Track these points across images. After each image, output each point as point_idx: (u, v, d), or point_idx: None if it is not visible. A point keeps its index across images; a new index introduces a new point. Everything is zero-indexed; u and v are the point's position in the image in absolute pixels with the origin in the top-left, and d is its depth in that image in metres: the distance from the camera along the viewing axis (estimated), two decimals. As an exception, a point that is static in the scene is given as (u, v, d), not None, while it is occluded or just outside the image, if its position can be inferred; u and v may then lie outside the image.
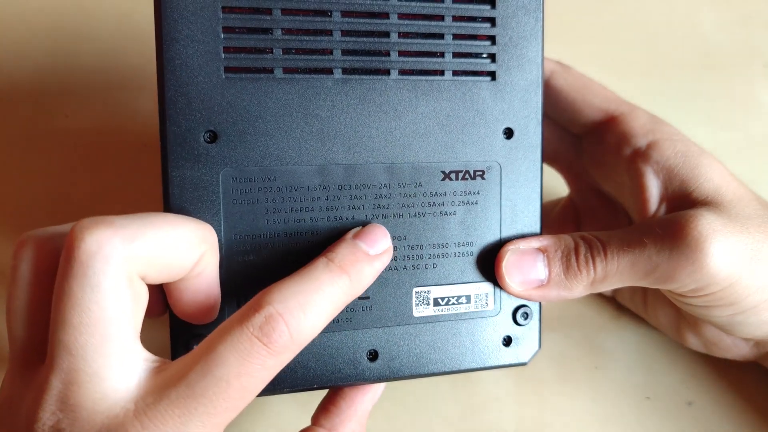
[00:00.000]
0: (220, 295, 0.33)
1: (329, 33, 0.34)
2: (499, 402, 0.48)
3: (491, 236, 0.37)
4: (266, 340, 0.28)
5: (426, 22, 0.35)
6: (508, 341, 0.37)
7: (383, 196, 0.35)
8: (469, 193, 0.36)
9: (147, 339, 0.30)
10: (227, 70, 0.33)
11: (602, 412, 0.48)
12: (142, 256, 0.29)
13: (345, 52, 0.34)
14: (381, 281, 0.35)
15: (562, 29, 0.49)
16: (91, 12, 0.51)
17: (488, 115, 0.36)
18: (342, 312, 0.35)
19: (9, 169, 0.48)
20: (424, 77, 0.35)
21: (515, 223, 0.37)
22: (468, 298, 0.37)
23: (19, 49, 0.49)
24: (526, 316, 0.37)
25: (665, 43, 0.58)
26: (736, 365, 0.48)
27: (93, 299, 0.27)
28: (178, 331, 0.33)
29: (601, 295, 0.52)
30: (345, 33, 0.34)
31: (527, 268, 0.37)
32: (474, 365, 0.37)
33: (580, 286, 0.37)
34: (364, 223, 0.35)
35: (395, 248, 0.35)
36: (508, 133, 0.37)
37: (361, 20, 0.34)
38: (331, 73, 0.34)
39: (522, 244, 0.37)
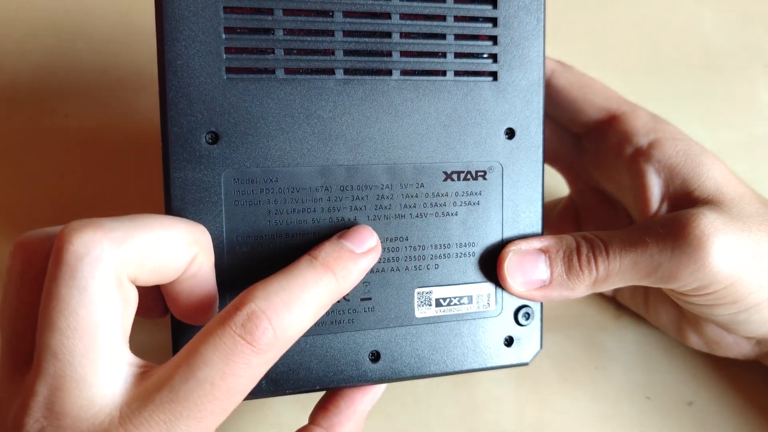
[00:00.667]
0: (217, 295, 0.33)
1: (331, 33, 0.34)
2: (499, 402, 0.48)
3: (493, 237, 0.37)
4: (249, 338, 0.27)
5: (428, 23, 0.35)
6: (509, 341, 0.37)
7: (385, 197, 0.35)
8: (471, 194, 0.36)
9: (149, 340, 0.30)
10: (229, 70, 0.32)
11: (602, 412, 0.48)
12: (132, 258, 0.28)
13: (347, 53, 0.34)
14: (383, 282, 0.35)
15: (562, 29, 0.49)
16: (91, 11, 0.50)
17: (490, 115, 0.36)
18: (344, 313, 0.35)
19: (9, 169, 0.48)
20: (425, 77, 0.35)
21: (517, 223, 0.37)
22: (470, 298, 0.36)
23: (19, 49, 0.49)
24: (527, 316, 0.37)
25: (665, 42, 0.58)
26: (736, 365, 0.48)
27: (81, 303, 0.27)
28: (179, 332, 0.33)
29: (601, 295, 0.52)
30: (347, 33, 0.34)
31: (529, 269, 0.36)
32: (476, 366, 0.37)
33: (582, 286, 0.37)
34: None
35: (397, 249, 0.35)
36: (510, 133, 0.37)
37: (363, 20, 0.34)
38: (333, 73, 0.34)
39: (524, 245, 0.37)
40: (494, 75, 0.36)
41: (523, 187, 0.37)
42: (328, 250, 0.32)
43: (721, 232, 0.35)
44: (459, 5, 0.35)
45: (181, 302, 0.32)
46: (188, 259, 0.31)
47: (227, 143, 0.33)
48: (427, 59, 0.35)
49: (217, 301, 0.33)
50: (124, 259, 0.28)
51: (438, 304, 0.36)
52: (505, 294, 0.37)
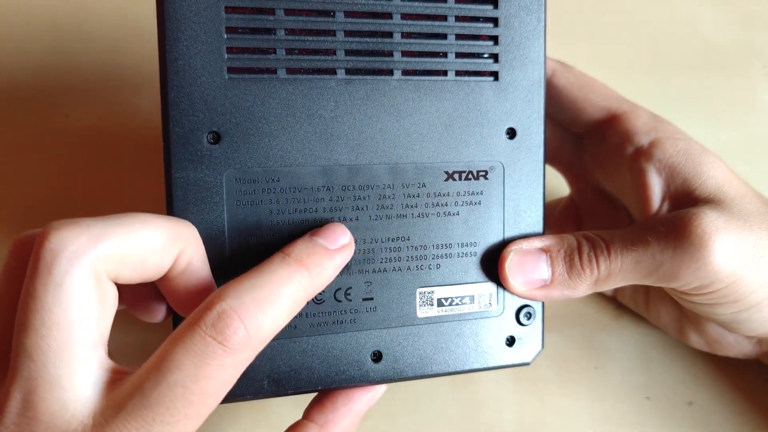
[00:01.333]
0: (215, 287, 0.32)
1: (332, 33, 0.34)
2: (499, 402, 0.48)
3: (494, 236, 0.37)
4: (221, 338, 0.27)
5: (429, 23, 0.35)
6: (511, 341, 0.37)
7: (387, 197, 0.35)
8: (473, 194, 0.36)
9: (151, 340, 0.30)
10: (230, 70, 0.32)
11: (602, 412, 0.48)
12: (111, 254, 0.28)
13: (348, 53, 0.34)
14: (385, 282, 0.35)
15: (562, 29, 0.49)
16: (91, 11, 0.50)
17: (491, 115, 0.36)
18: (346, 313, 0.35)
19: (9, 169, 0.48)
20: (427, 77, 0.35)
21: (518, 223, 0.37)
22: (471, 298, 0.36)
23: (19, 49, 0.49)
24: (529, 316, 0.37)
25: (665, 43, 0.58)
26: (736, 365, 0.48)
27: (56, 300, 0.27)
28: None
29: (601, 295, 0.52)
30: (348, 33, 0.34)
31: (530, 268, 0.36)
32: (478, 366, 0.37)
33: (584, 285, 0.37)
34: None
35: (399, 249, 0.35)
36: (511, 133, 0.37)
37: (364, 20, 0.34)
38: (335, 73, 0.34)
39: (525, 244, 0.37)
40: (495, 75, 0.36)
41: (525, 187, 0.37)
42: (301, 247, 0.31)
43: (723, 231, 0.35)
44: (460, 5, 0.35)
45: (179, 299, 0.32)
46: (172, 255, 0.30)
47: (229, 143, 0.33)
48: (428, 59, 0.35)
49: None
50: (103, 256, 0.28)
51: (440, 304, 0.36)
52: (506, 294, 0.37)
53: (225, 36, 0.32)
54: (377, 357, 0.35)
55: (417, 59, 0.35)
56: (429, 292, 0.36)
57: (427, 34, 0.35)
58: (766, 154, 0.57)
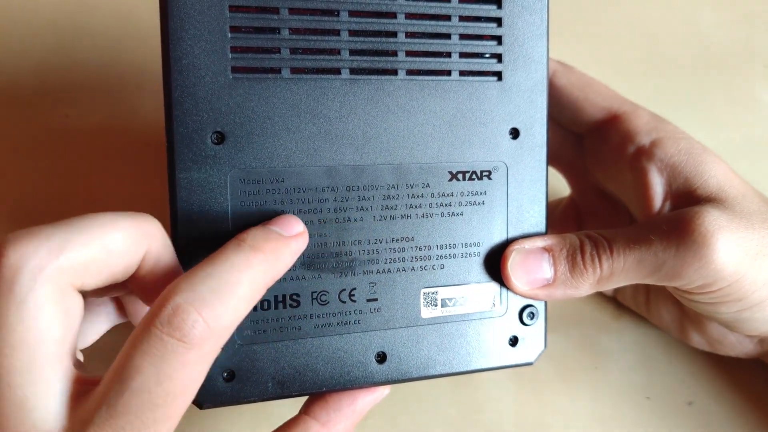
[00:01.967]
0: None
1: (337, 33, 0.33)
2: (499, 402, 0.48)
3: (498, 236, 0.37)
4: (179, 334, 0.26)
5: (433, 22, 0.35)
6: (514, 341, 0.37)
7: (391, 197, 0.35)
8: (476, 194, 0.36)
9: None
10: (234, 70, 0.32)
11: (602, 412, 0.48)
12: (74, 265, 0.27)
13: (352, 52, 0.34)
14: (389, 282, 0.35)
15: (562, 29, 0.49)
16: (91, 11, 0.50)
17: (494, 115, 0.36)
18: (350, 314, 0.35)
19: (9, 169, 0.47)
20: (431, 77, 0.35)
21: (521, 223, 0.37)
22: (475, 298, 0.36)
23: (19, 49, 0.49)
24: (532, 315, 0.37)
25: (665, 43, 0.58)
26: (736, 365, 0.48)
27: (18, 318, 0.26)
28: None
29: (601, 295, 0.52)
30: (352, 33, 0.34)
31: (532, 268, 0.37)
32: (481, 366, 0.37)
33: (587, 284, 0.37)
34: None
35: (403, 249, 0.35)
36: (514, 133, 0.37)
37: (369, 20, 0.34)
38: (339, 73, 0.34)
39: (527, 244, 0.37)
40: (498, 75, 0.36)
41: (528, 187, 0.37)
42: (256, 233, 0.30)
43: (726, 230, 0.35)
44: (464, 5, 0.35)
45: (151, 296, 0.31)
46: (139, 254, 0.29)
47: (233, 143, 0.32)
48: (432, 59, 0.35)
49: None
50: (65, 267, 0.27)
51: (444, 304, 0.36)
52: (509, 294, 0.37)
53: (229, 35, 0.32)
54: (382, 358, 0.35)
55: (421, 59, 0.35)
56: (433, 293, 0.36)
57: (431, 34, 0.35)
58: (766, 154, 0.57)
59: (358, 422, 0.36)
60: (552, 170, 0.50)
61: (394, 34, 0.34)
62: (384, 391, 0.37)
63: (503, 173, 0.37)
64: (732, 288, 0.36)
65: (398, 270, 0.35)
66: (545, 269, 0.37)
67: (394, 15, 0.34)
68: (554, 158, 0.49)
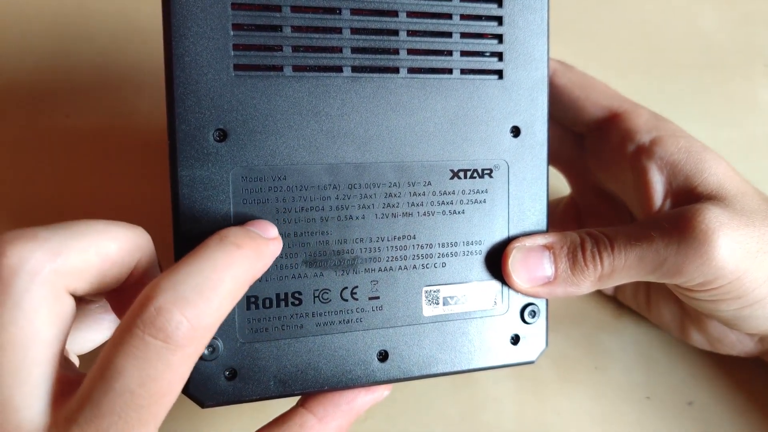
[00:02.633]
0: None
1: (339, 31, 0.34)
2: (499, 402, 0.48)
3: (499, 234, 0.37)
4: (162, 335, 0.25)
5: (434, 21, 0.35)
6: (516, 339, 0.37)
7: (393, 195, 0.35)
8: (478, 192, 0.36)
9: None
10: (237, 67, 0.32)
11: (602, 412, 0.48)
12: (70, 269, 0.27)
13: (354, 50, 0.34)
14: (391, 281, 0.35)
15: (562, 29, 0.49)
16: (91, 11, 0.50)
17: (496, 113, 0.36)
18: (352, 312, 0.35)
19: (9, 169, 0.47)
20: (432, 76, 0.35)
21: (523, 221, 0.37)
22: (477, 296, 0.36)
23: (19, 49, 0.49)
24: (533, 314, 0.37)
25: (665, 42, 0.58)
26: (736, 364, 0.48)
27: (12, 319, 0.25)
28: None
29: (601, 294, 0.52)
30: (354, 31, 0.34)
31: (533, 266, 0.37)
32: (483, 364, 0.37)
33: (588, 282, 0.37)
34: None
35: (405, 247, 0.35)
36: (515, 131, 0.37)
37: (371, 18, 0.34)
38: (341, 71, 0.34)
39: (528, 242, 0.37)
40: (499, 73, 0.36)
41: (529, 185, 0.37)
42: (237, 231, 0.30)
43: (727, 227, 0.35)
44: (465, 4, 0.35)
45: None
46: (131, 265, 0.29)
47: (235, 141, 0.32)
48: (433, 57, 0.35)
49: None
50: (62, 271, 0.27)
51: (445, 302, 0.36)
52: (511, 292, 0.37)
53: (231, 33, 0.32)
54: (383, 356, 0.35)
55: (422, 57, 0.35)
56: (435, 291, 0.36)
57: (432, 33, 0.35)
58: (766, 154, 0.57)
59: (355, 420, 0.36)
60: (552, 170, 0.50)
61: (395, 33, 0.34)
62: (384, 391, 0.37)
63: (504, 171, 0.37)
64: (732, 285, 0.36)
65: (400, 268, 0.35)
66: (546, 267, 0.37)
67: (395, 13, 0.34)
68: (555, 158, 0.49)
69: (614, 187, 0.45)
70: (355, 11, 0.34)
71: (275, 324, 0.34)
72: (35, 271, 0.26)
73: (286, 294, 0.34)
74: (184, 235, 0.32)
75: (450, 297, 0.36)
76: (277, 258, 0.33)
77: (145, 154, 0.49)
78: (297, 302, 0.34)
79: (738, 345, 0.44)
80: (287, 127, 0.33)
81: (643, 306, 0.49)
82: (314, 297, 0.34)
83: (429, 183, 0.35)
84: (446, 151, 0.35)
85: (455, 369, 0.36)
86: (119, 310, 0.32)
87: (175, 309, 0.25)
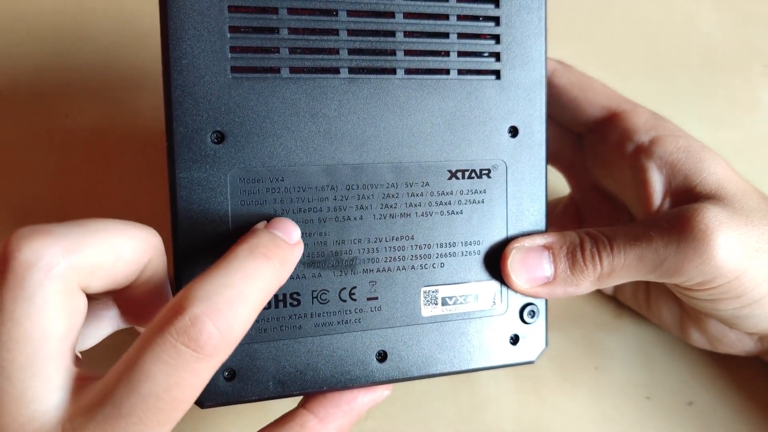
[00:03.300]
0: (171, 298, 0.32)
1: (335, 32, 0.34)
2: (499, 402, 0.48)
3: (498, 235, 0.37)
4: (194, 345, 0.26)
5: (431, 21, 0.35)
6: (515, 340, 0.37)
7: (391, 196, 0.35)
8: (476, 192, 0.36)
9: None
10: (234, 69, 0.32)
11: (602, 412, 0.48)
12: (84, 266, 0.27)
13: (351, 52, 0.34)
14: (389, 281, 0.35)
15: (562, 29, 0.50)
16: (91, 11, 0.50)
17: (493, 113, 0.36)
18: (351, 313, 0.35)
19: (9, 169, 0.48)
20: (429, 76, 0.35)
21: (521, 221, 0.37)
22: (476, 297, 0.36)
23: (19, 49, 0.49)
24: (533, 314, 0.37)
25: (665, 43, 0.58)
26: (736, 364, 0.48)
27: (26, 314, 0.26)
28: None
29: (601, 294, 0.52)
30: (351, 32, 0.34)
31: (532, 266, 0.37)
32: (482, 365, 0.37)
33: (587, 282, 0.37)
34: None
35: (403, 248, 0.35)
36: (513, 131, 0.37)
37: (367, 20, 0.34)
38: (338, 72, 0.34)
39: (527, 242, 0.37)
40: (497, 74, 0.36)
41: (527, 185, 0.37)
42: (266, 240, 0.30)
43: (726, 226, 0.35)
44: (462, 4, 0.35)
45: (136, 308, 0.31)
46: (141, 265, 0.30)
47: (233, 143, 0.32)
48: (430, 58, 0.35)
49: None
50: (76, 267, 0.27)
51: (444, 302, 0.36)
52: (510, 292, 0.37)
53: (228, 35, 0.32)
54: (382, 357, 0.35)
55: (419, 58, 0.35)
56: (433, 291, 0.36)
57: (429, 33, 0.35)
58: (766, 154, 0.57)
59: (356, 420, 0.36)
60: (551, 170, 0.50)
61: (392, 34, 0.34)
62: (384, 391, 0.37)
63: (503, 171, 0.37)
64: (732, 285, 0.36)
65: (398, 269, 0.35)
66: (545, 267, 0.37)
67: (392, 14, 0.34)
68: (554, 158, 0.49)
69: (613, 187, 0.45)
70: (351, 13, 0.34)
71: (274, 325, 0.34)
72: (50, 266, 0.26)
73: (284, 295, 0.34)
74: (182, 236, 0.32)
75: (449, 297, 0.36)
76: None
77: (145, 154, 0.49)
78: (295, 303, 0.34)
79: (737, 344, 0.44)
80: (285, 129, 0.33)
81: (643, 305, 0.49)
82: (313, 298, 0.34)
83: (427, 183, 0.35)
84: (444, 151, 0.35)
85: (454, 369, 0.36)
86: (124, 308, 0.32)
87: (208, 320, 0.26)
